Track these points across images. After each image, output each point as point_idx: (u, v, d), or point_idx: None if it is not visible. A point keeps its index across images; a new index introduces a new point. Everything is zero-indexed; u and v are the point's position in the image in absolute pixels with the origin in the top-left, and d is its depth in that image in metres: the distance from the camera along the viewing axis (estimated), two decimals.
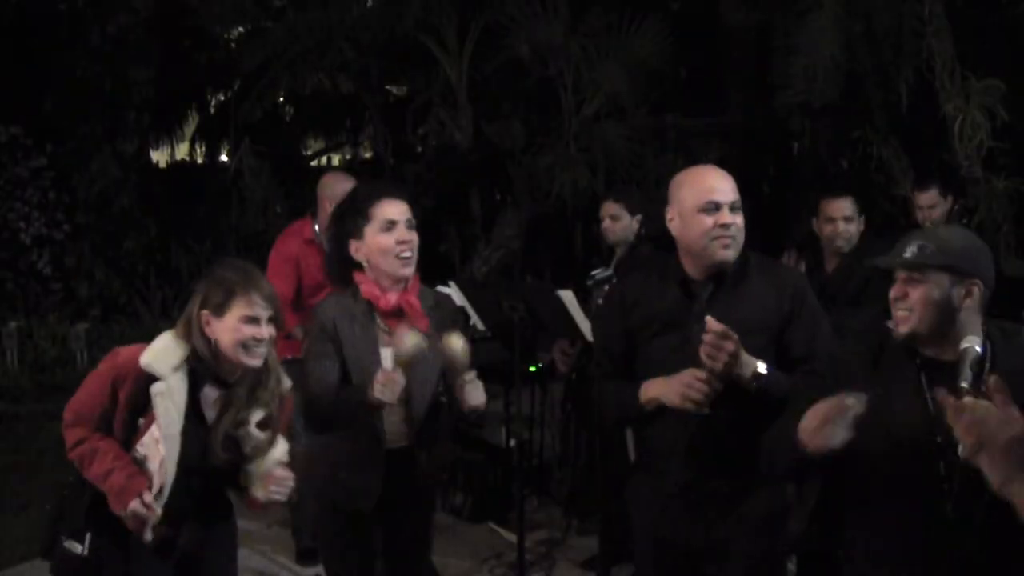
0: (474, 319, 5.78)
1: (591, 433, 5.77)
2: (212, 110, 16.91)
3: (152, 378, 3.15)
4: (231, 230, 12.44)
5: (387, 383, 3.27)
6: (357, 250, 3.53)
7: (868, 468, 2.66)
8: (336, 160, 19.00)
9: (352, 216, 3.56)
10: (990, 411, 2.05)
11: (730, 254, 3.14)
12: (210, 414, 3.26)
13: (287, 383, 3.40)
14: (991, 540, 2.51)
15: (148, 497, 3.12)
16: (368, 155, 16.80)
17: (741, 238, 3.16)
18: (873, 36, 8.00)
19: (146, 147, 14.08)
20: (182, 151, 17.81)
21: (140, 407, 3.17)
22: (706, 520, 3.20)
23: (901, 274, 2.66)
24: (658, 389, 3.13)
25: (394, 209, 3.52)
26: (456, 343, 3.48)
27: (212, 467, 3.26)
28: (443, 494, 6.20)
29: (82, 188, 11.36)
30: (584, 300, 4.94)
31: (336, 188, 5.56)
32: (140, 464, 3.17)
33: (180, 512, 3.26)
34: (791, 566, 4.24)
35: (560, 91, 10.25)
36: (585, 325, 5.11)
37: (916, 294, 2.61)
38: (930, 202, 5.69)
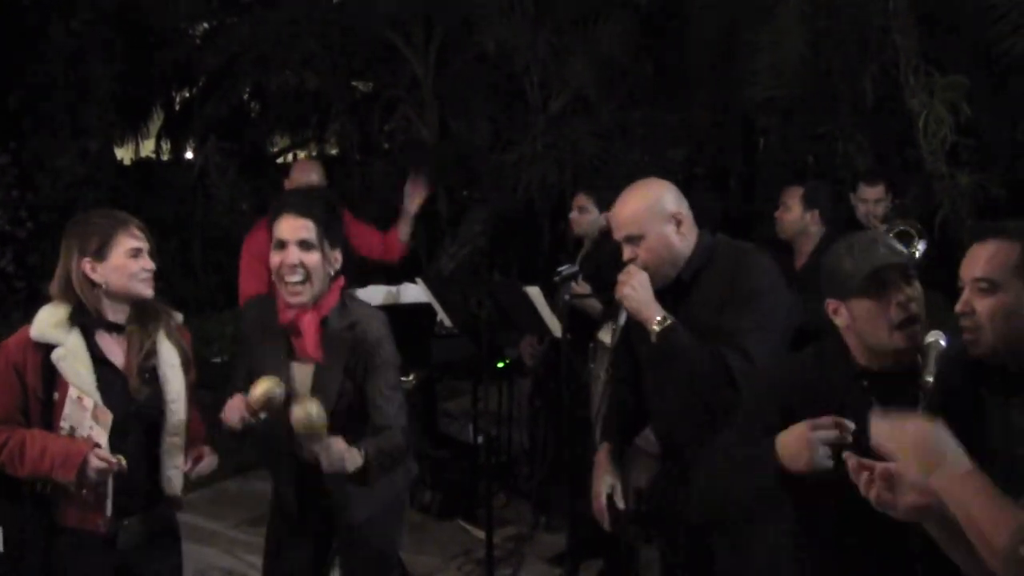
0: (441, 316, 5.77)
1: (558, 429, 5.78)
2: (177, 107, 16.79)
3: (49, 348, 3.11)
4: (197, 227, 12.36)
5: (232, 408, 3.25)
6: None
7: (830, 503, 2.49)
8: (302, 157, 18.93)
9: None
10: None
11: None
12: (117, 359, 3.22)
13: (178, 316, 3.39)
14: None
15: (102, 451, 3.03)
16: (335, 152, 16.76)
17: None
18: (839, 32, 8.04)
19: (110, 144, 13.96)
20: (147, 148, 17.68)
21: (49, 381, 3.12)
22: None
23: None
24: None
25: (287, 227, 3.31)
26: (301, 413, 3.15)
27: (139, 412, 3.21)
28: (411, 491, 6.20)
29: (46, 186, 11.24)
30: (551, 296, 4.94)
31: (300, 178, 5.63)
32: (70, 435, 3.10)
33: (122, 491, 3.17)
34: None
35: (527, 87, 10.24)
36: (552, 321, 5.11)
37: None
38: (877, 196, 5.79)
